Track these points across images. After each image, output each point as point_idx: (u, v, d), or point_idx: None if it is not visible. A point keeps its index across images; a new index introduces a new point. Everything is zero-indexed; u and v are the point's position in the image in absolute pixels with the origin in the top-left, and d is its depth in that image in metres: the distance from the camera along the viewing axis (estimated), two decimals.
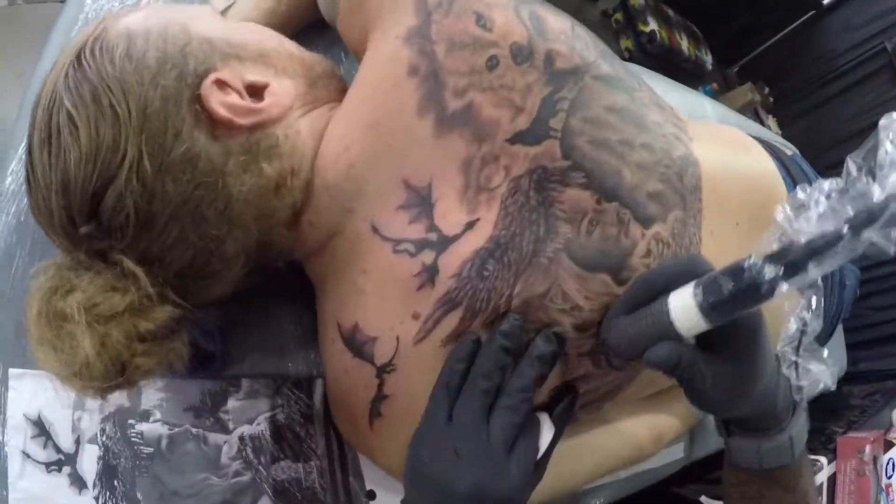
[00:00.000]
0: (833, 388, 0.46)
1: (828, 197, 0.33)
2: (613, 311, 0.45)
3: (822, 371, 0.45)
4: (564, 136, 0.45)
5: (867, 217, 0.30)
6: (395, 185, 0.45)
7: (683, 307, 0.38)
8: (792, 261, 0.33)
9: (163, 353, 0.42)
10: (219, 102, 0.42)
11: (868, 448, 1.18)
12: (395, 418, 0.49)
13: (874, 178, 0.31)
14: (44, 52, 0.65)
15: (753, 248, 0.37)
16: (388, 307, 0.46)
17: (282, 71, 0.49)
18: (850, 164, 0.33)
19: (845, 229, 0.31)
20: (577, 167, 0.46)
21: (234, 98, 0.43)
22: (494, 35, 0.45)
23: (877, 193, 0.30)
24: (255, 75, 0.46)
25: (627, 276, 0.48)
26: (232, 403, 0.57)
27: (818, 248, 0.32)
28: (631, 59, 2.42)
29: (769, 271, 0.34)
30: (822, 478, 1.15)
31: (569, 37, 0.47)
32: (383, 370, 0.47)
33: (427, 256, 0.45)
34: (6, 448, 0.56)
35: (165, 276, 0.42)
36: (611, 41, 2.44)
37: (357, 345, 0.48)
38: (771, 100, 2.59)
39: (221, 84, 0.43)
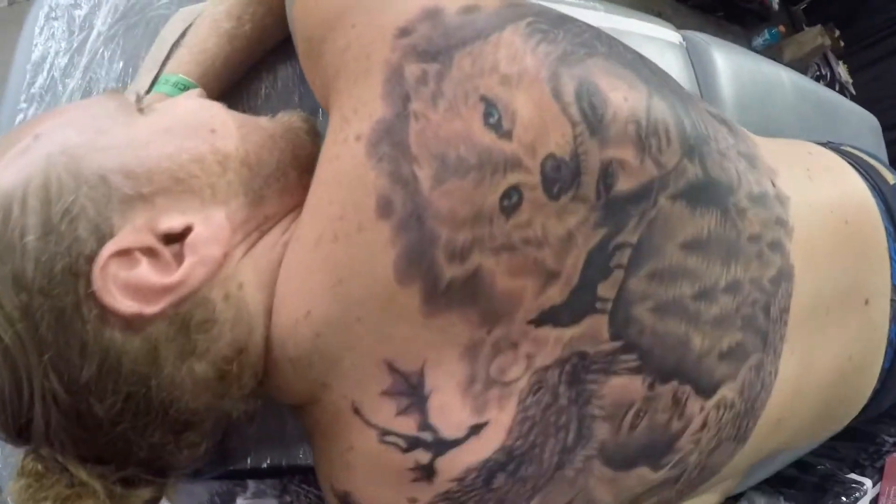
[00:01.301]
0: None
1: None
2: None
3: None
4: (617, 308, 0.32)
5: None
6: (376, 366, 0.33)
7: None
8: None
9: None
10: (120, 289, 0.30)
11: None
12: None
13: None
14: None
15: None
16: (380, 488, 0.35)
17: (211, 196, 0.34)
18: None
19: None
20: (630, 348, 0.32)
21: (142, 272, 0.30)
22: (516, 142, 0.29)
23: None
24: (171, 217, 0.32)
25: (668, 460, 0.36)
26: (241, 502, 0.51)
27: None
28: None
29: None
30: None
31: (642, 125, 0.31)
32: None
33: (421, 456, 0.33)
34: None
35: (129, 464, 0.33)
36: None
37: None
38: (842, 44, 2.32)
39: (123, 254, 0.30)
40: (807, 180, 0.47)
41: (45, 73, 0.64)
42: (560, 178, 0.30)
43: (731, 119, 0.43)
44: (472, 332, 0.32)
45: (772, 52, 2.24)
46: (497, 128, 0.29)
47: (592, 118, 0.30)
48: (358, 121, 0.31)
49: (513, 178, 0.29)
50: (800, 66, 2.23)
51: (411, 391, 0.33)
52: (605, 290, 0.32)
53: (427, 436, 0.33)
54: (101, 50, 0.63)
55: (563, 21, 0.34)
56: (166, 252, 0.31)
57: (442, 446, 0.33)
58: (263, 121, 0.41)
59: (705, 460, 0.38)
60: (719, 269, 0.35)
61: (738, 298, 0.36)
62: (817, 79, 2.23)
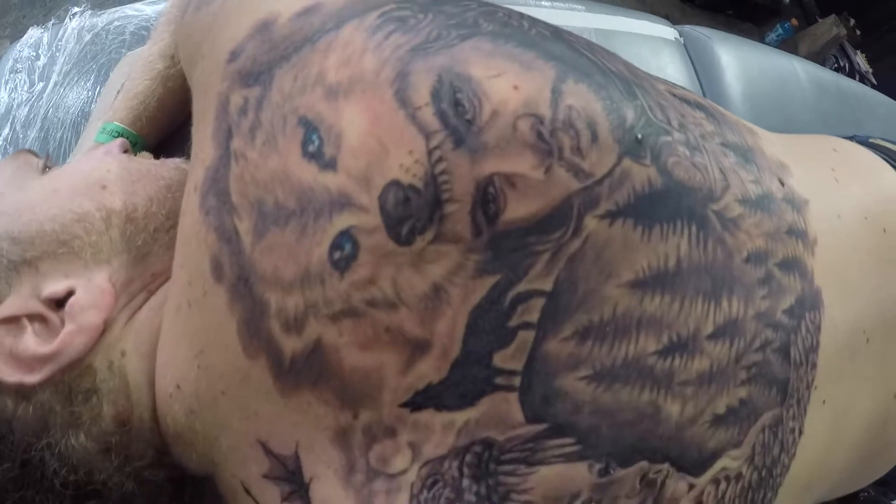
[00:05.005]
0: None
1: None
2: None
3: None
4: (531, 382, 0.22)
5: None
6: (251, 447, 0.26)
7: None
8: None
9: None
10: (4, 357, 0.28)
11: None
12: None
13: None
14: None
15: None
16: None
17: (92, 256, 0.30)
18: None
19: None
20: (560, 431, 0.23)
21: (27, 340, 0.28)
22: (342, 173, 0.21)
23: None
24: (55, 282, 0.29)
25: None
26: None
27: None
28: None
29: None
30: None
31: (544, 119, 0.22)
32: None
33: None
34: None
35: None
36: None
37: None
38: (858, 33, 2.15)
39: (10, 322, 0.28)
40: (832, 182, 0.36)
41: (8, 126, 0.59)
42: (410, 213, 0.21)
43: (718, 107, 0.32)
44: (336, 415, 0.24)
45: (786, 47, 2.09)
46: (318, 157, 0.21)
47: (457, 122, 0.21)
48: (196, 168, 0.26)
49: (342, 221, 0.21)
50: (817, 59, 2.07)
51: (290, 477, 0.25)
52: (507, 359, 0.22)
53: None
54: (56, 99, 0.58)
55: (443, 2, 0.25)
56: (54, 316, 0.28)
57: None
58: (169, 167, 0.36)
59: None
60: (702, 308, 0.24)
61: (737, 344, 0.26)
62: (836, 71, 2.06)
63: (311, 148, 0.22)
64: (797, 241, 0.29)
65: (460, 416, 0.23)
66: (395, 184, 0.21)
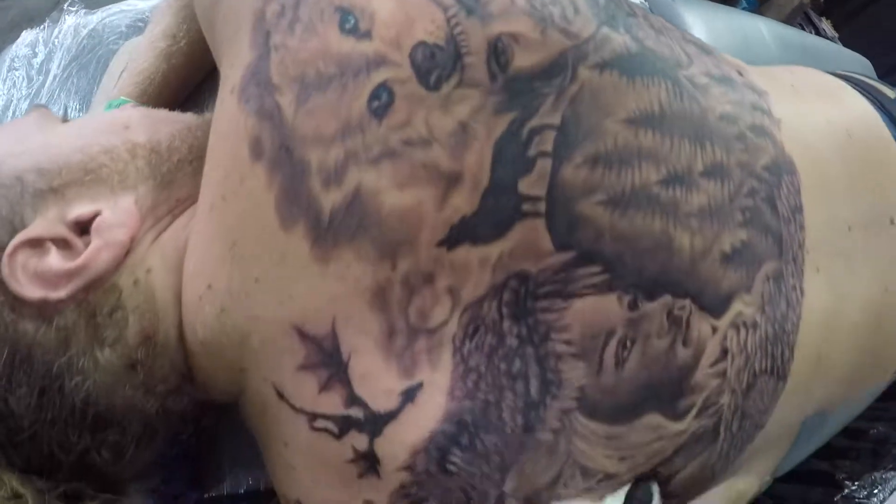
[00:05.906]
0: None
1: None
2: None
3: None
4: (555, 207, 0.25)
5: None
6: (286, 336, 0.27)
7: None
8: None
9: None
10: (28, 276, 0.27)
11: None
12: None
13: None
14: None
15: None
16: (329, 491, 0.29)
17: (119, 182, 0.31)
18: None
19: None
20: (588, 258, 0.26)
21: (50, 259, 0.28)
22: (377, 40, 0.25)
23: None
24: (81, 205, 0.30)
25: (689, 403, 0.28)
26: None
27: None
28: None
29: None
30: None
31: None
32: None
33: (357, 440, 0.27)
34: None
35: (61, 472, 0.29)
36: None
37: None
38: (821, 0, 2.21)
39: (35, 244, 0.28)
40: (792, 93, 0.39)
41: (7, 120, 0.61)
42: (436, 64, 0.25)
43: None
44: (375, 270, 0.26)
45: None
46: (354, 31, 0.25)
47: None
48: (232, 75, 0.28)
49: (379, 76, 0.25)
50: None
51: (328, 359, 0.27)
52: (531, 185, 0.25)
53: (357, 412, 0.27)
54: (57, 91, 0.60)
55: None
56: (78, 241, 0.29)
57: (376, 423, 0.27)
58: (188, 114, 0.38)
59: (742, 403, 0.30)
60: (690, 149, 0.27)
61: (728, 186, 0.28)
62: None
63: (347, 25, 0.25)
64: (763, 114, 0.32)
65: (494, 249, 0.26)
66: (422, 44, 0.25)
